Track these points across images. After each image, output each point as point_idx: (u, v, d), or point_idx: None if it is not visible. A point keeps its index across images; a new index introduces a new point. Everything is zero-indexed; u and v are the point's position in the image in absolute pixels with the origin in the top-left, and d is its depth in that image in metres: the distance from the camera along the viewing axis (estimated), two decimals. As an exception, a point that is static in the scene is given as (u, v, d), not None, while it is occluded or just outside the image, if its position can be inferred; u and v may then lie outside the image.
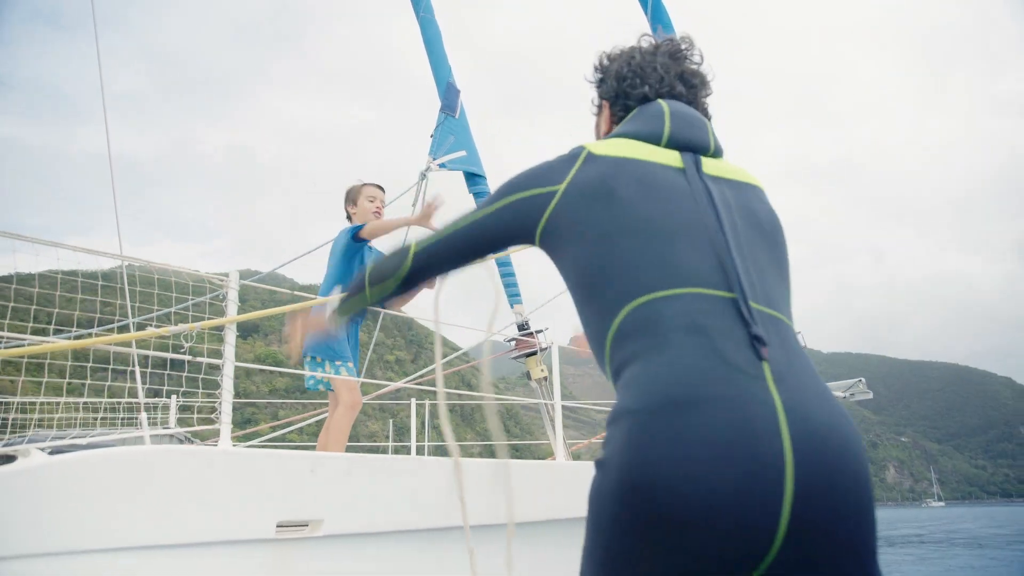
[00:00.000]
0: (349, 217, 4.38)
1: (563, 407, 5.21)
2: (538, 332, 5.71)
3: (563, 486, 4.10)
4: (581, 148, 1.31)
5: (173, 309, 3.54)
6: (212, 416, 2.83)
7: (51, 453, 2.38)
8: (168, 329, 2.63)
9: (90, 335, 3.47)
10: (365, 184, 4.41)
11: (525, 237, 1.33)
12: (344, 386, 3.85)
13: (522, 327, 5.77)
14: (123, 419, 4.47)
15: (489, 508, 3.63)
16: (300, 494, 2.87)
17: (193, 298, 3.09)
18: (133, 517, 2.40)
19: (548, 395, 5.54)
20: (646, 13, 7.29)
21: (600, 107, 1.55)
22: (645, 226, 1.18)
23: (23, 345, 2.57)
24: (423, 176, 5.46)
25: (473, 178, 5.87)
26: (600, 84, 1.53)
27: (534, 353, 5.63)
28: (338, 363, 3.94)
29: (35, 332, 2.87)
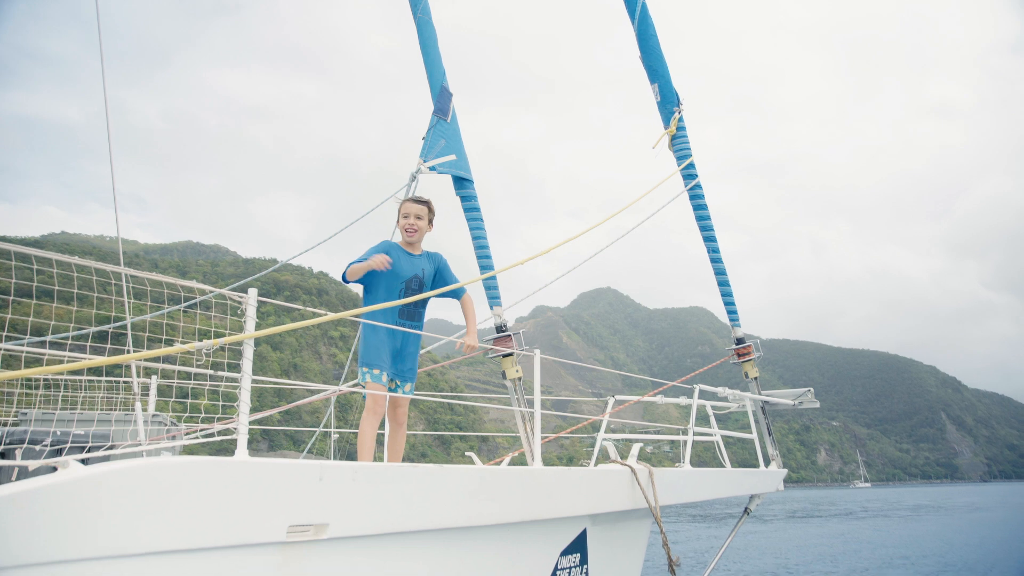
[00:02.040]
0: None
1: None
2: (515, 334, 5.93)
3: (541, 489, 4.36)
4: None
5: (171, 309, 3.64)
6: (231, 427, 2.97)
7: (83, 461, 2.51)
8: (194, 345, 2.76)
9: (109, 347, 3.55)
10: (405, 201, 4.74)
11: None
12: (369, 392, 4.24)
13: (500, 328, 5.98)
14: (121, 399, 4.58)
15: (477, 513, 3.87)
16: (309, 499, 3.05)
17: (211, 313, 3.19)
18: (159, 524, 2.55)
19: (521, 396, 5.79)
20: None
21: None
22: None
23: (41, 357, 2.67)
24: (413, 177, 5.58)
25: (461, 182, 6.00)
26: None
27: (510, 354, 5.85)
28: (365, 370, 4.32)
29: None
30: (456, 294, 4.83)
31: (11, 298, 2.86)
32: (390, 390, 4.44)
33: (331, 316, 3.38)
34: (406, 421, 4.64)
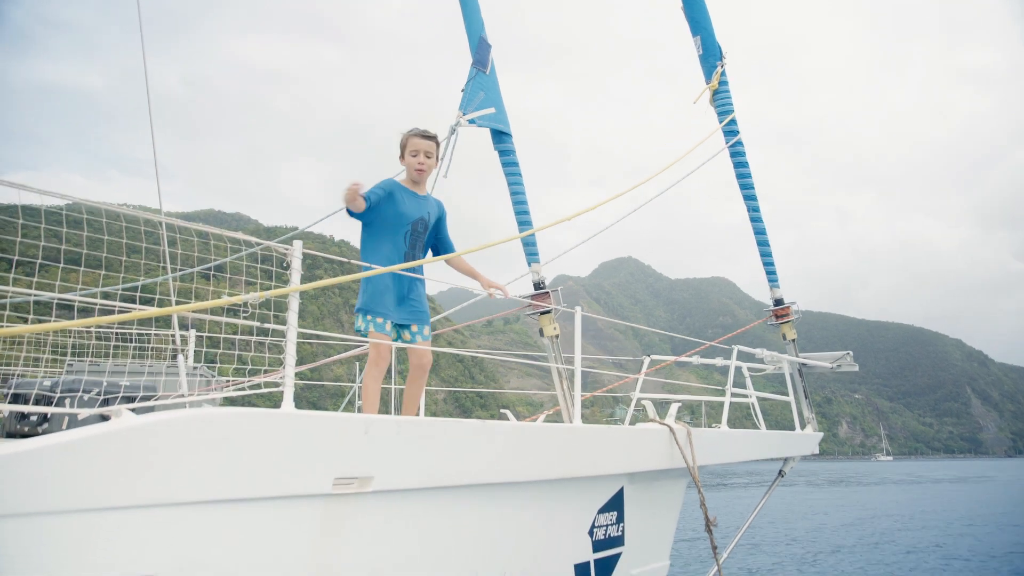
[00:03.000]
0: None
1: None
2: (553, 291, 5.81)
3: (581, 447, 4.28)
4: None
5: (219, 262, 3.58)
6: (279, 380, 2.91)
7: (134, 411, 2.47)
8: (241, 297, 2.69)
9: (156, 299, 3.50)
10: (411, 134, 4.22)
11: None
12: (372, 342, 3.87)
13: (538, 285, 5.86)
14: (168, 351, 4.61)
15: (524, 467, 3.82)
16: (355, 453, 2.99)
17: (251, 263, 3.12)
18: (210, 473, 2.51)
19: (558, 354, 5.70)
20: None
21: None
22: None
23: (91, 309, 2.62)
24: (453, 130, 5.44)
25: (500, 135, 5.85)
26: None
27: (548, 311, 5.75)
28: (369, 318, 3.93)
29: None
30: (449, 251, 4.37)
31: (60, 261, 2.84)
32: (406, 340, 4.07)
33: (382, 269, 3.29)
34: (429, 366, 4.18)
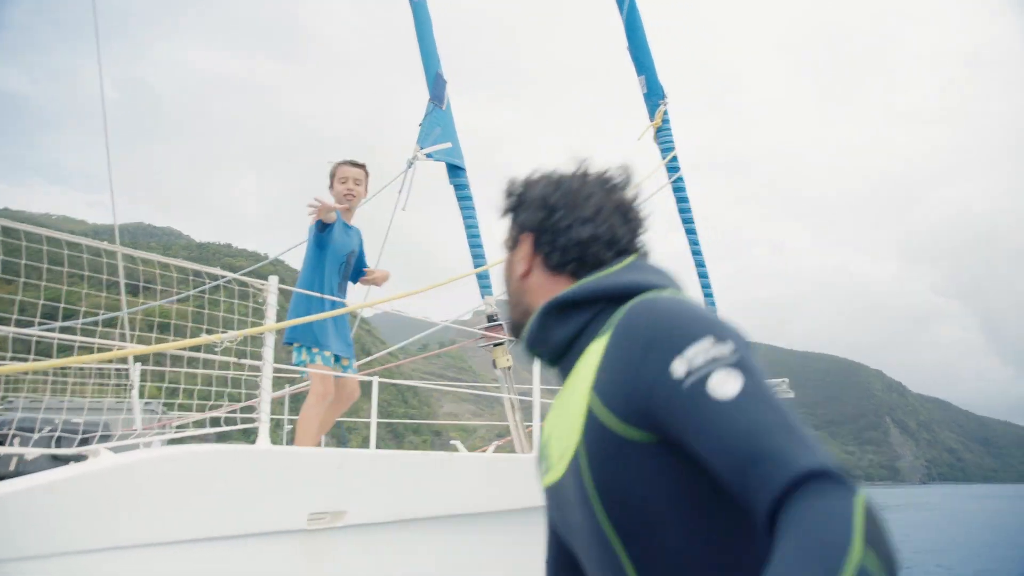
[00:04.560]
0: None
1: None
2: (504, 323, 5.92)
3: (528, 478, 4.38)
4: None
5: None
6: (252, 416, 2.92)
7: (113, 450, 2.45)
8: (220, 336, 2.70)
9: (92, 330, 3.43)
10: (340, 164, 4.29)
11: None
12: (316, 376, 3.80)
13: (491, 318, 5.97)
14: (113, 385, 4.44)
15: (488, 498, 3.89)
16: (329, 487, 3.01)
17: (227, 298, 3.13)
18: (188, 512, 2.51)
19: (511, 385, 5.80)
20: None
21: (519, 240, 1.29)
22: None
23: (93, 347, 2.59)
24: (410, 164, 5.54)
25: (455, 170, 5.98)
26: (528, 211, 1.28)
27: (501, 343, 5.85)
28: (315, 351, 3.87)
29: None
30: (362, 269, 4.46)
31: None
32: (343, 369, 4.04)
33: (357, 306, 3.33)
34: (356, 398, 4.18)
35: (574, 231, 1.20)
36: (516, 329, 1.29)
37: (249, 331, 2.77)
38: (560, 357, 1.17)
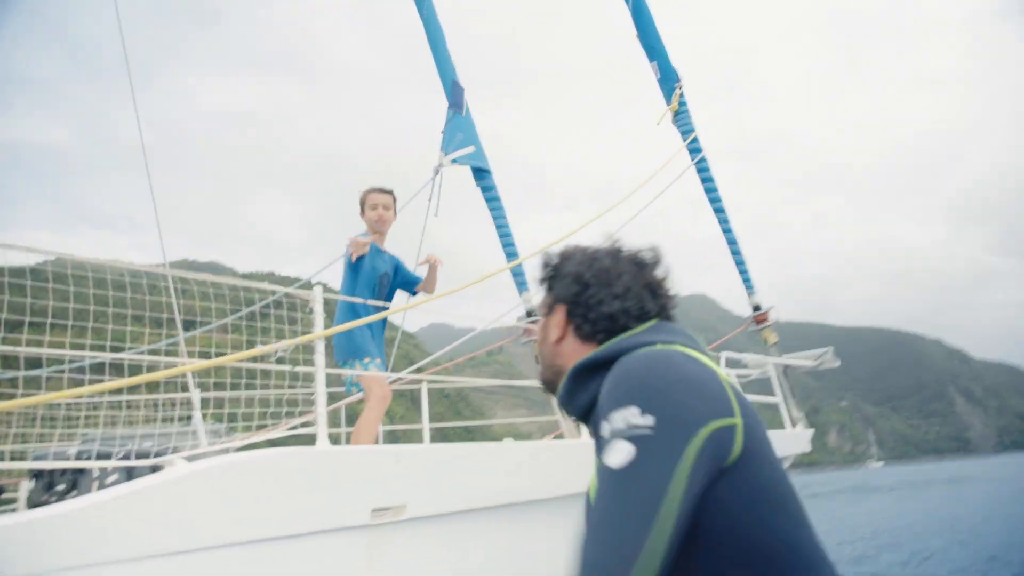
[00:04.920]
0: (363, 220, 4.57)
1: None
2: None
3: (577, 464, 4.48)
4: (715, 373, 1.16)
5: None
6: (310, 420, 3.06)
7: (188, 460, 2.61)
8: (273, 346, 2.86)
9: (156, 350, 3.63)
10: (369, 191, 4.53)
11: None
12: (373, 381, 4.05)
13: (531, 314, 6.06)
14: (178, 416, 4.68)
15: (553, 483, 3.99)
16: (389, 483, 3.14)
17: (274, 310, 3.29)
18: (259, 513, 2.65)
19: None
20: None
21: (553, 308, 1.41)
22: (790, 492, 1.11)
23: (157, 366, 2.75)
24: (437, 172, 5.68)
25: (480, 173, 6.10)
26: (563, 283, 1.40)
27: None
28: (366, 360, 4.15)
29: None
30: (415, 284, 4.77)
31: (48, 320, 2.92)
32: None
33: (398, 308, 3.47)
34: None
35: (604, 306, 1.32)
36: (550, 386, 1.42)
37: (300, 339, 2.92)
38: (588, 415, 1.29)
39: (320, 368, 3.12)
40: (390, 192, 4.56)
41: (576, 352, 1.34)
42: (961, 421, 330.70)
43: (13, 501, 4.69)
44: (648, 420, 1.02)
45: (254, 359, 3.25)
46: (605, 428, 1.07)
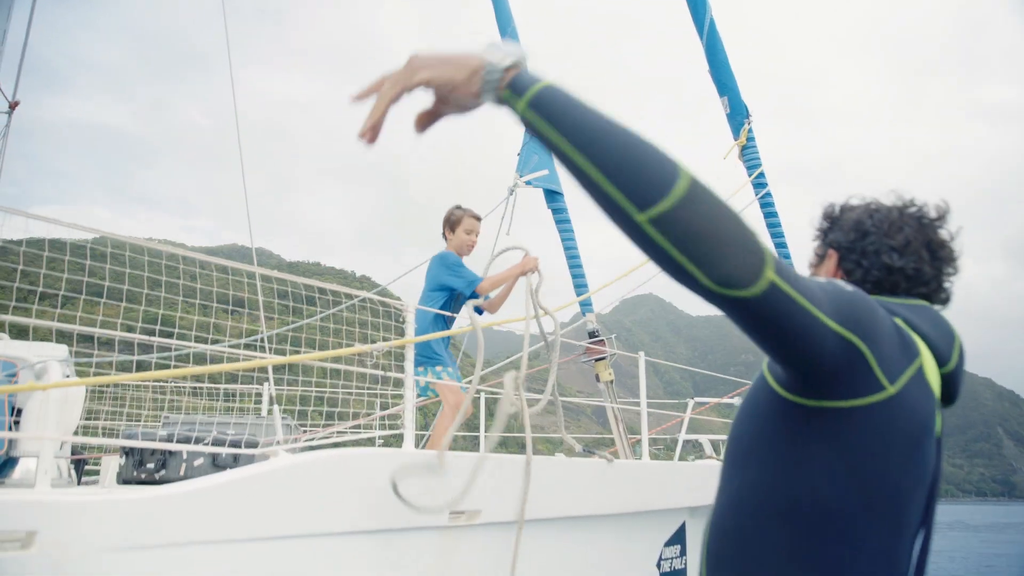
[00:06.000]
0: (445, 237, 4.68)
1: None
2: (608, 338, 6.23)
3: (652, 482, 4.67)
4: (917, 351, 1.11)
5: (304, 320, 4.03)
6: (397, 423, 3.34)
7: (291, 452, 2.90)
8: (371, 347, 3.13)
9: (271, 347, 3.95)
10: (467, 214, 4.63)
11: (829, 381, 1.02)
12: (447, 389, 4.27)
13: (592, 334, 6.28)
14: (252, 407, 5.04)
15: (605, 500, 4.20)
16: (468, 488, 3.39)
17: (375, 318, 3.57)
18: (350, 507, 2.93)
19: (613, 398, 6.09)
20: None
21: (825, 256, 1.39)
22: (898, 496, 1.07)
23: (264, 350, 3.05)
24: (512, 192, 5.95)
25: (552, 195, 6.35)
26: (840, 232, 1.37)
27: (603, 358, 6.16)
28: (439, 368, 4.33)
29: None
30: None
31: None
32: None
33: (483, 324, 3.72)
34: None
35: (882, 256, 1.29)
36: None
37: (395, 343, 3.19)
38: None
39: (409, 375, 3.38)
40: (481, 219, 4.70)
41: None
42: (1007, 464, 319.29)
43: (96, 473, 5.07)
44: None
45: (338, 359, 3.54)
46: None
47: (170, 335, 3.15)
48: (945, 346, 1.20)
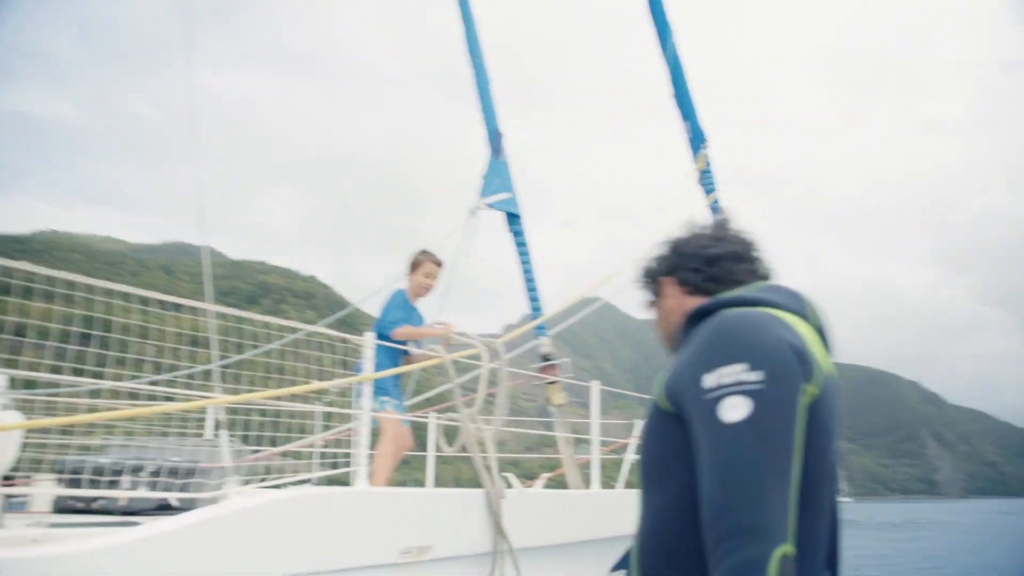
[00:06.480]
0: (407, 275, 4.80)
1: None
2: (561, 362, 6.31)
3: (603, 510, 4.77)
4: (802, 340, 1.18)
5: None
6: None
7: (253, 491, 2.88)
8: (328, 384, 3.14)
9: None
10: (428, 260, 4.80)
11: None
12: (387, 420, 4.27)
13: (546, 358, 6.35)
14: (195, 428, 4.91)
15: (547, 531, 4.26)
16: (417, 525, 3.42)
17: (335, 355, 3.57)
18: (306, 547, 2.92)
19: (564, 421, 6.17)
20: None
21: (659, 291, 1.52)
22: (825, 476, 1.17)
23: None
24: (473, 214, 5.98)
25: (512, 218, 6.40)
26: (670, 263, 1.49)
27: (555, 382, 6.24)
28: (384, 399, 4.33)
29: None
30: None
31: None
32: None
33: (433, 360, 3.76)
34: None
35: (703, 252, 1.42)
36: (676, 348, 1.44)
37: (351, 379, 3.20)
38: None
39: (365, 411, 3.40)
40: (442, 264, 4.85)
41: (688, 306, 1.40)
42: (931, 464, 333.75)
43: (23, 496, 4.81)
44: (756, 375, 1.08)
45: (292, 396, 3.53)
46: (709, 381, 1.11)
47: (108, 334, 3.06)
48: (800, 306, 1.32)
